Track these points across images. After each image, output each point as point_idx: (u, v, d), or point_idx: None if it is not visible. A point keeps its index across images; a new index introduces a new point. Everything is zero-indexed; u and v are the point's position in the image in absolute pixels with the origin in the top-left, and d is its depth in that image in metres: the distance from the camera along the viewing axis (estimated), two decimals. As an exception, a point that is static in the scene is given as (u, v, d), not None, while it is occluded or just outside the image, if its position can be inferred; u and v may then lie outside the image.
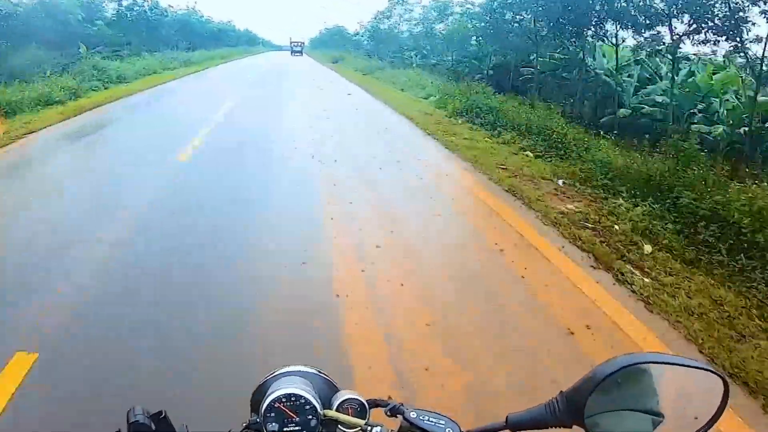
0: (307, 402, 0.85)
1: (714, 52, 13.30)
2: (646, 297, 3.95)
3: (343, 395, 0.90)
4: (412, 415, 0.86)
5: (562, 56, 16.64)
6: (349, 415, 0.88)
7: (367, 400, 0.89)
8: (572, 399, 0.76)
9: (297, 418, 0.86)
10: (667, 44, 11.81)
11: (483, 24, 18.94)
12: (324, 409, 0.87)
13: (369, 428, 0.87)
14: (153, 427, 0.79)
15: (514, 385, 2.83)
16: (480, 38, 21.12)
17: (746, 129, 10.00)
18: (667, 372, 0.76)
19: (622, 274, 4.30)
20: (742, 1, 9.08)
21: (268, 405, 0.85)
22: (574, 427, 0.76)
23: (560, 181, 7.21)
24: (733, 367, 3.10)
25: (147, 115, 12.51)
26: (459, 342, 3.24)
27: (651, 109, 12.91)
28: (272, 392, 0.86)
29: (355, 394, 0.90)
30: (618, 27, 12.35)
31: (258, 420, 0.86)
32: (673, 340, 3.41)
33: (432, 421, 0.85)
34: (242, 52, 50.89)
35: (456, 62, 23.95)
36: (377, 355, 3.05)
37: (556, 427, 0.78)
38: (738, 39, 9.26)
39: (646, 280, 4.24)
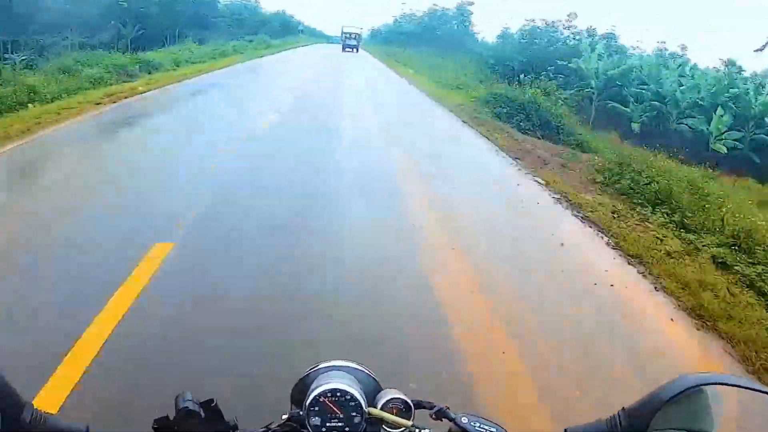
0: (353, 399, 0.84)
1: None
2: None
3: (389, 394, 0.88)
4: (463, 420, 0.85)
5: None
6: (393, 415, 0.85)
7: (412, 401, 0.87)
8: (635, 416, 0.75)
9: (341, 415, 0.84)
10: None
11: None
12: (369, 407, 0.85)
13: (417, 430, 0.86)
14: (202, 414, 0.78)
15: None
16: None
17: None
18: (732, 393, 0.74)
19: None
20: None
21: (312, 399, 0.84)
22: None
23: None
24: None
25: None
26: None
27: None
28: (317, 386, 0.84)
29: (401, 394, 0.87)
30: None
31: (301, 413, 0.85)
32: None
33: (483, 428, 0.85)
34: (257, 47, 34.22)
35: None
36: None
37: None
38: None
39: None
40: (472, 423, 0.84)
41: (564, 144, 14.75)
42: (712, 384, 0.73)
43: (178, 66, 19.42)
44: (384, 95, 17.94)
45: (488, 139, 11.05)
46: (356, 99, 15.92)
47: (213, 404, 0.80)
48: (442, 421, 0.87)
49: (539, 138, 14.27)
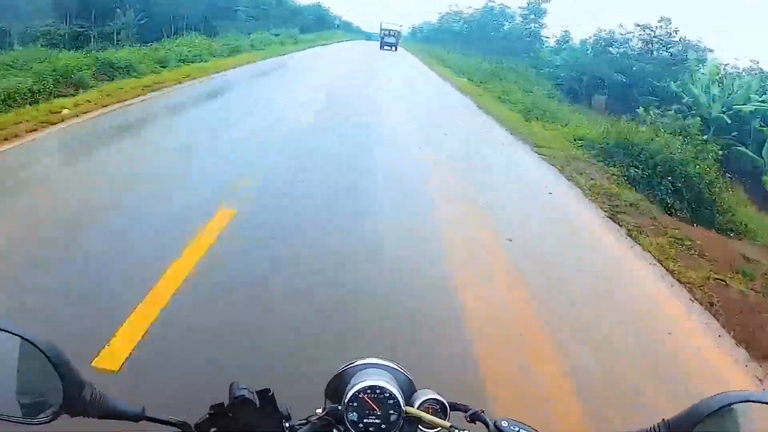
0: (392, 396, 0.85)
1: None
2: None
3: (425, 394, 0.89)
4: (503, 424, 0.86)
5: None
6: (429, 414, 0.86)
7: (448, 402, 0.88)
8: (675, 428, 0.75)
9: (379, 412, 0.85)
10: None
11: None
12: (406, 405, 0.86)
13: (455, 430, 0.86)
14: (257, 403, 0.80)
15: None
16: None
17: None
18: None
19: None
20: None
21: (352, 395, 0.85)
22: None
23: None
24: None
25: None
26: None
27: None
28: (357, 382, 0.86)
29: (437, 395, 0.88)
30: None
31: (339, 408, 0.85)
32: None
33: None
34: (285, 42, 29.72)
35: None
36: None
37: None
38: None
39: None
40: (512, 427, 0.85)
41: (721, 230, 9.30)
42: (755, 402, 0.73)
43: (164, 67, 14.45)
44: (444, 123, 12.52)
45: (662, 267, 5.60)
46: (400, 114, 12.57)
47: (270, 393, 0.81)
48: (476, 423, 0.88)
49: (693, 224, 8.80)
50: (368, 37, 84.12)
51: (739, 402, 0.72)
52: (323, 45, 38.47)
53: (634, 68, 25.68)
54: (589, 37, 30.69)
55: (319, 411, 0.87)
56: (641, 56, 27.11)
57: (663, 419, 0.77)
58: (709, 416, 0.72)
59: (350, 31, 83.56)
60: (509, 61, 30.21)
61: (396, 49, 44.45)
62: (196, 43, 19.55)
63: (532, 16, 34.44)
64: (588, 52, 29.92)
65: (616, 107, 22.77)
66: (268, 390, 0.82)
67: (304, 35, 39.80)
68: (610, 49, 28.46)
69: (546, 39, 34.04)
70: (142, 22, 27.05)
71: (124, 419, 0.78)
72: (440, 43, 50.69)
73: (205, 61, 17.15)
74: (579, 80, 29.05)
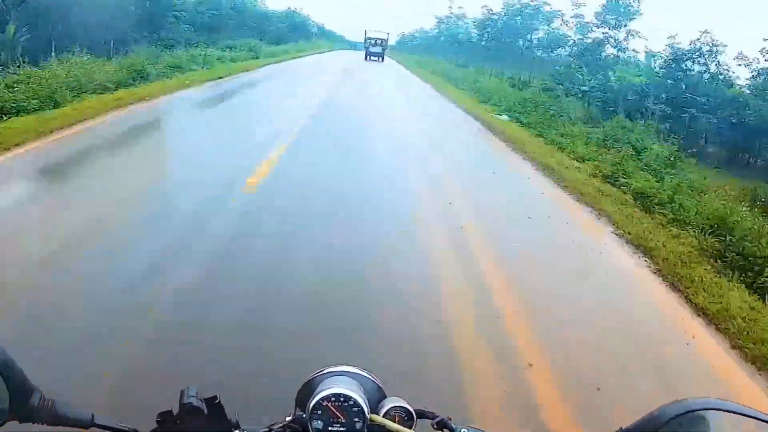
0: (356, 404, 0.84)
1: None
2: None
3: (391, 402, 0.87)
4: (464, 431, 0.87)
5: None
6: (395, 422, 0.86)
7: (415, 410, 0.87)
8: None
9: (343, 420, 0.85)
10: None
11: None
12: (371, 413, 0.85)
13: None
14: (205, 411, 0.79)
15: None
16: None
17: None
18: (735, 422, 0.74)
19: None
20: None
21: (316, 403, 0.84)
22: None
23: None
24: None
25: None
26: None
27: None
28: (321, 390, 0.85)
29: (404, 402, 0.87)
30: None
31: (304, 416, 0.85)
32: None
33: None
34: (237, 58, 21.89)
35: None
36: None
37: None
38: None
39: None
40: None
41: None
42: (712, 409, 0.74)
43: None
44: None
45: None
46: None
47: (216, 401, 0.80)
48: (442, 431, 0.88)
49: None
50: (353, 46, 76.20)
51: (696, 410, 0.73)
52: (295, 58, 30.12)
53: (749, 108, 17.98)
54: (663, 49, 22.32)
55: (288, 418, 0.87)
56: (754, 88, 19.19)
57: (620, 427, 0.77)
58: (667, 424, 0.72)
59: (334, 40, 75.38)
60: (550, 82, 22.05)
61: (383, 59, 40.31)
62: (67, 68, 11.17)
63: (611, 18, 23.68)
64: (659, 71, 21.87)
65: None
66: (215, 397, 0.80)
67: (272, 47, 31.64)
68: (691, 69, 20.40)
69: (629, 53, 24.85)
70: (23, 38, 18.65)
71: (74, 426, 0.77)
72: (440, 53, 42.87)
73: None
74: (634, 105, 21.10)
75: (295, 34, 42.36)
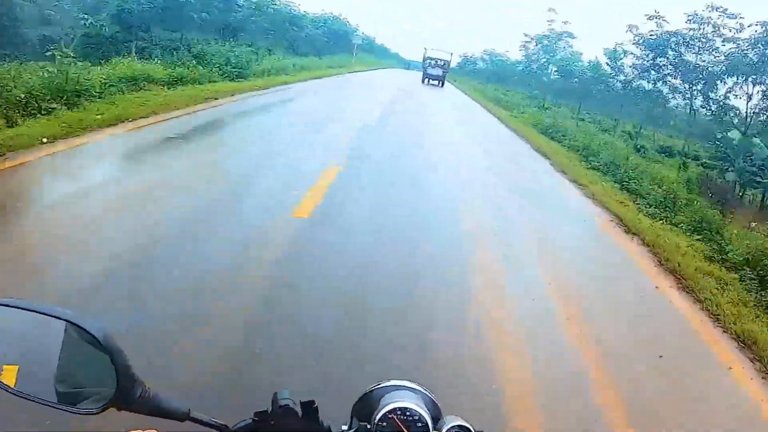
0: (421, 419, 0.84)
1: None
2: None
3: (453, 420, 0.86)
4: None
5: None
6: None
7: (475, 431, 0.85)
8: None
9: None
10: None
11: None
12: (433, 430, 0.85)
13: None
14: (300, 414, 0.80)
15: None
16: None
17: None
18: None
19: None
20: None
21: (383, 415, 0.84)
22: None
23: None
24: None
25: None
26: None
27: None
28: (388, 403, 0.85)
29: (464, 422, 0.85)
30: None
31: (369, 427, 0.85)
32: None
33: None
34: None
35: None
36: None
37: None
38: None
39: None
40: None
41: None
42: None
43: None
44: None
45: None
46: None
47: (314, 405, 0.82)
48: None
49: None
50: (407, 65, 68.28)
51: None
52: (321, 77, 22.26)
53: None
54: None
55: (344, 428, 0.87)
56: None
57: None
58: None
59: (386, 56, 67.75)
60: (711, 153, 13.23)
61: (443, 84, 34.14)
62: None
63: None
64: None
65: None
66: (312, 402, 0.81)
67: (300, 59, 24.17)
68: None
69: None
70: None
71: (171, 418, 0.78)
72: (520, 85, 34.50)
73: None
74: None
75: (334, 45, 34.83)
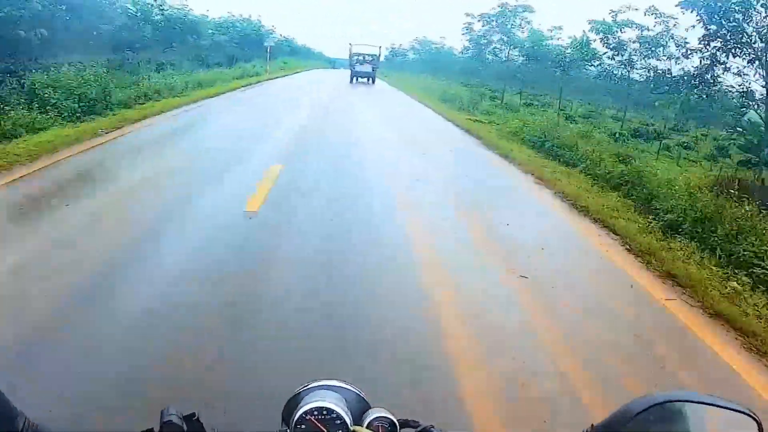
0: (338, 417, 0.84)
1: None
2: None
3: (375, 413, 0.87)
4: None
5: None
6: None
7: (398, 420, 0.87)
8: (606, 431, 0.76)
9: None
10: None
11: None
12: (355, 425, 0.86)
13: None
14: (185, 427, 0.79)
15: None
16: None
17: None
18: (701, 412, 0.75)
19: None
20: None
21: (299, 417, 0.84)
22: None
23: None
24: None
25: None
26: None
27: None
28: (304, 404, 0.85)
29: (387, 413, 0.87)
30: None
31: (287, 431, 0.86)
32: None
33: None
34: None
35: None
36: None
37: None
38: None
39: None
40: None
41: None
42: (680, 401, 0.74)
43: None
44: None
45: None
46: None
47: (195, 418, 0.81)
48: None
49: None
50: (333, 64, 63.49)
51: (665, 402, 0.73)
52: (221, 94, 17.66)
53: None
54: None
55: None
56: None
57: (592, 425, 0.77)
58: (637, 417, 0.72)
59: (310, 57, 62.79)
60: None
61: (373, 81, 32.02)
62: None
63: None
64: None
65: None
66: (194, 414, 0.80)
67: (206, 72, 19.77)
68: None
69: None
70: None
71: None
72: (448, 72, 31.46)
73: None
74: None
75: (250, 51, 30.20)
